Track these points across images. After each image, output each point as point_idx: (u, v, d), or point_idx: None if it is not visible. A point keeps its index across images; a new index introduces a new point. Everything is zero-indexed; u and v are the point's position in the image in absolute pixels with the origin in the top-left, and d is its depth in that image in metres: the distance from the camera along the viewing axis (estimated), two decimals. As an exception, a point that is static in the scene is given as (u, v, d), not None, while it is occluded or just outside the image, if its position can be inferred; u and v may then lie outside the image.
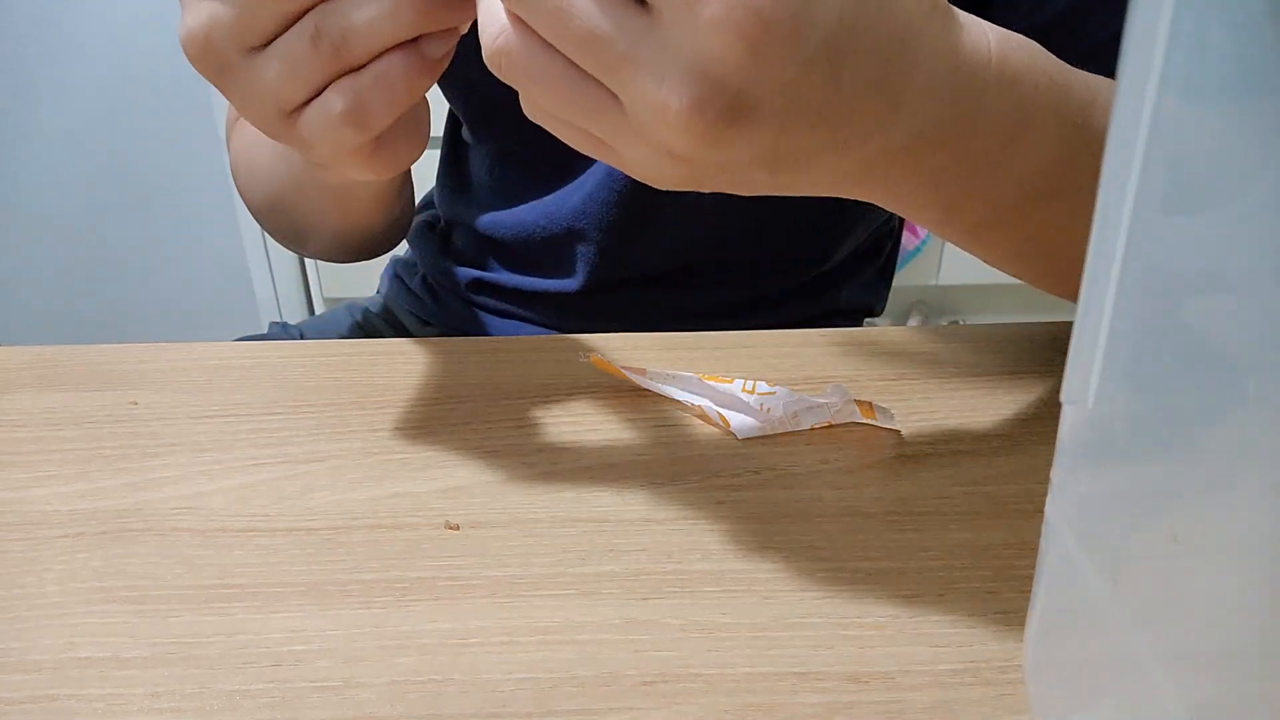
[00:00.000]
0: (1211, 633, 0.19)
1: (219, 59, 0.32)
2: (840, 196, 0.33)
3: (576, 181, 0.59)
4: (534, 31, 0.27)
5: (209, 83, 0.34)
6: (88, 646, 0.31)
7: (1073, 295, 0.37)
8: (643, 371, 0.43)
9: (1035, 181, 0.35)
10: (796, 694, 0.29)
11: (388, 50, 0.32)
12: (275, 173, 0.52)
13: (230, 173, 0.61)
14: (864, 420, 0.41)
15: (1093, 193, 0.20)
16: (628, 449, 0.40)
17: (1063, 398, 0.23)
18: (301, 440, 0.41)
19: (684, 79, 0.26)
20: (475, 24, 0.30)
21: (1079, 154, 0.35)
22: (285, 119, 0.33)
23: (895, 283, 0.76)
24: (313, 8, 0.31)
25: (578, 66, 0.27)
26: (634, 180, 0.56)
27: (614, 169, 0.56)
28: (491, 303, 0.66)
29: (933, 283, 1.88)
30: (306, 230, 0.56)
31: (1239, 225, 0.17)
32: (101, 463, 0.40)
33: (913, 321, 1.97)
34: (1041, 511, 0.24)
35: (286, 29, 0.31)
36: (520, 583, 0.33)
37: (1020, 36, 0.33)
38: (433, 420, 0.42)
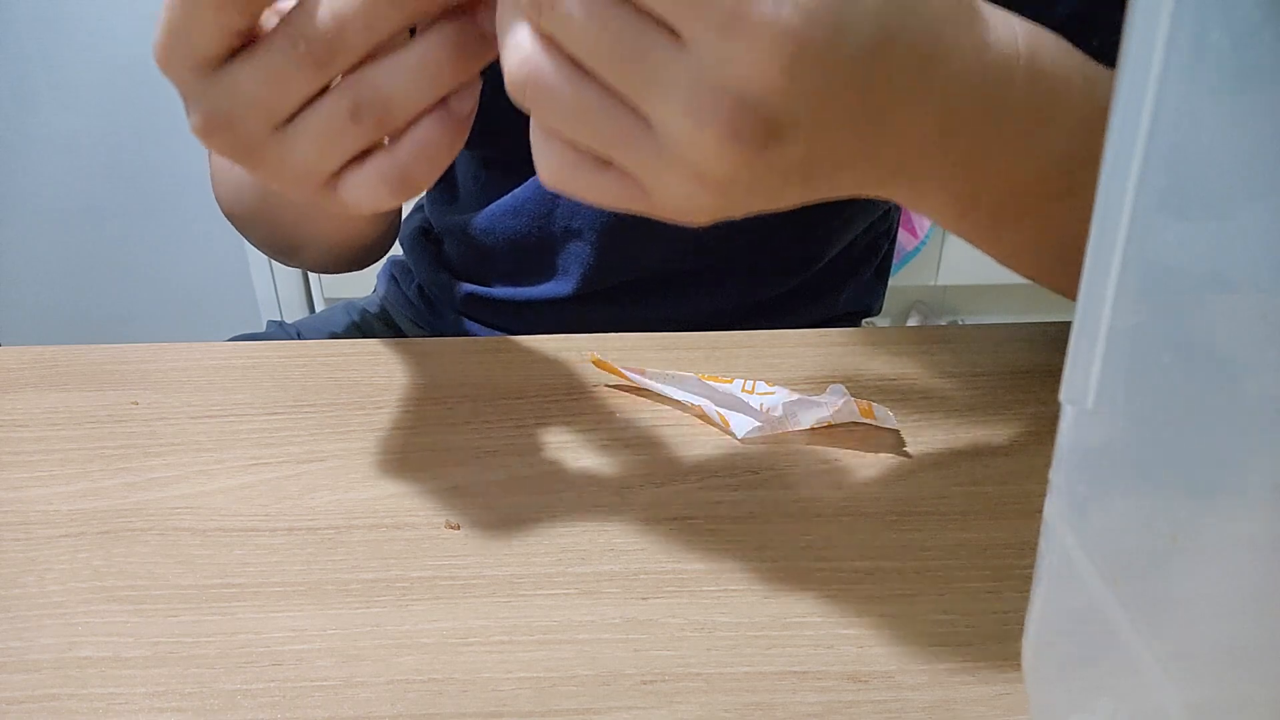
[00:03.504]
0: (1211, 633, 0.19)
1: (245, 141, 0.32)
2: (864, 196, 0.33)
3: None
4: (562, 54, 0.27)
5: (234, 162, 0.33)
6: (88, 646, 0.31)
7: None
8: (643, 371, 0.43)
9: (1056, 174, 0.35)
10: (796, 694, 0.29)
11: (421, 114, 0.31)
12: (260, 189, 0.51)
13: (212, 187, 0.61)
14: (864, 420, 0.41)
15: None
16: (628, 449, 0.40)
17: (1062, 398, 0.23)
18: (302, 440, 0.41)
19: (717, 101, 0.26)
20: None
21: (1100, 150, 0.35)
22: (323, 187, 0.33)
23: (894, 283, 0.76)
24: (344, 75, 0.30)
25: (607, 92, 0.27)
26: None
27: None
28: (487, 317, 0.66)
29: (931, 283, 1.88)
30: (297, 241, 0.55)
31: (1238, 225, 0.17)
32: (102, 462, 0.40)
33: (912, 321, 1.97)
34: (1041, 511, 0.24)
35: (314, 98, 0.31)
36: (520, 583, 0.33)
37: (1051, 33, 0.33)
38: (433, 420, 0.42)
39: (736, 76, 0.25)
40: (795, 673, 0.30)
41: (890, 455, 0.40)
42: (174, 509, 0.37)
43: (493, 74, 0.45)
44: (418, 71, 0.30)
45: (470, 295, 0.66)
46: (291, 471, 0.39)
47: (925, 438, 0.41)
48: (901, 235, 1.75)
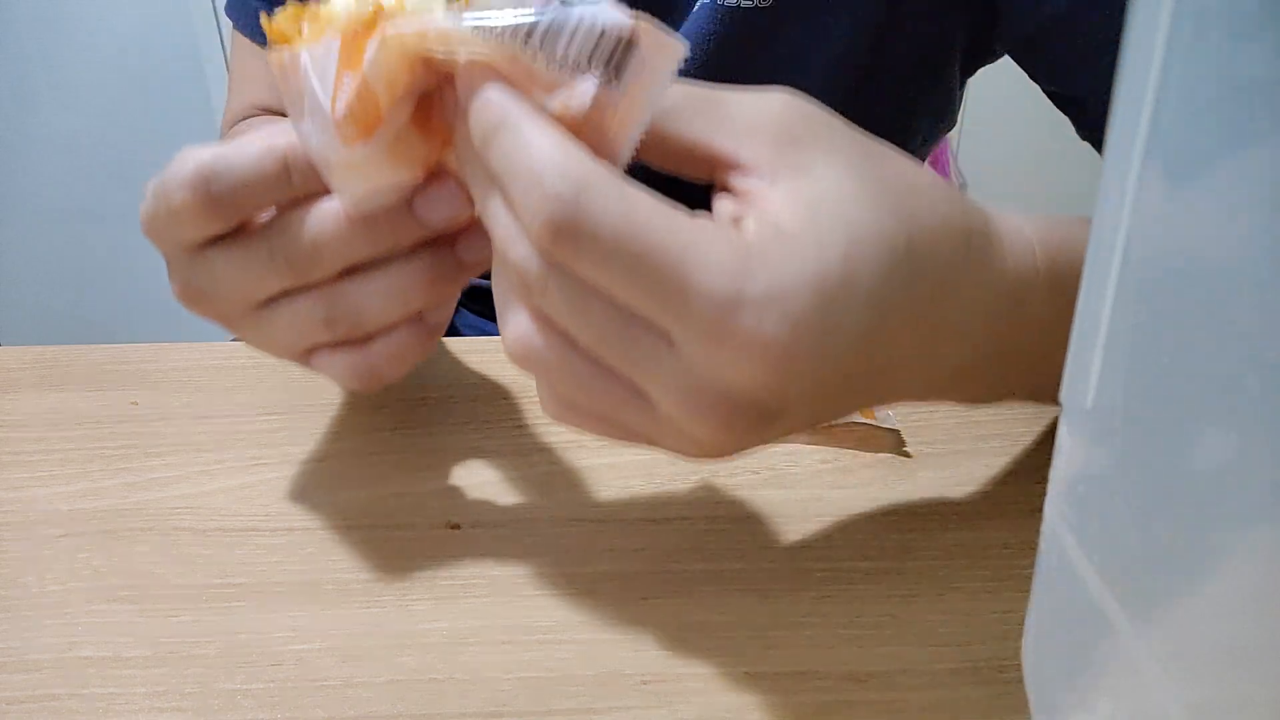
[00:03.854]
0: (1211, 633, 0.19)
1: (222, 314, 0.33)
2: None
3: None
4: (557, 330, 0.27)
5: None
6: (88, 646, 0.31)
7: None
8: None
9: None
10: (796, 694, 0.29)
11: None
12: None
13: None
14: (864, 420, 0.41)
15: None
16: (628, 449, 0.40)
17: (1062, 398, 0.23)
18: (302, 440, 0.41)
19: (706, 396, 0.25)
20: None
21: None
22: (298, 356, 0.34)
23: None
24: (319, 272, 0.31)
25: (602, 366, 0.27)
26: (632, 168, 0.56)
27: None
28: (483, 309, 0.66)
29: (933, 283, 1.88)
30: None
31: (1238, 225, 0.17)
32: (102, 462, 0.40)
33: (913, 322, 1.97)
34: (1040, 511, 0.24)
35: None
36: (520, 583, 0.33)
37: (1064, 220, 0.32)
38: (433, 420, 0.42)
39: (725, 379, 0.25)
40: (795, 673, 0.30)
41: (890, 455, 0.40)
42: (174, 509, 0.37)
43: None
44: (392, 295, 0.31)
45: (473, 287, 0.66)
46: (291, 471, 0.39)
47: (925, 438, 0.41)
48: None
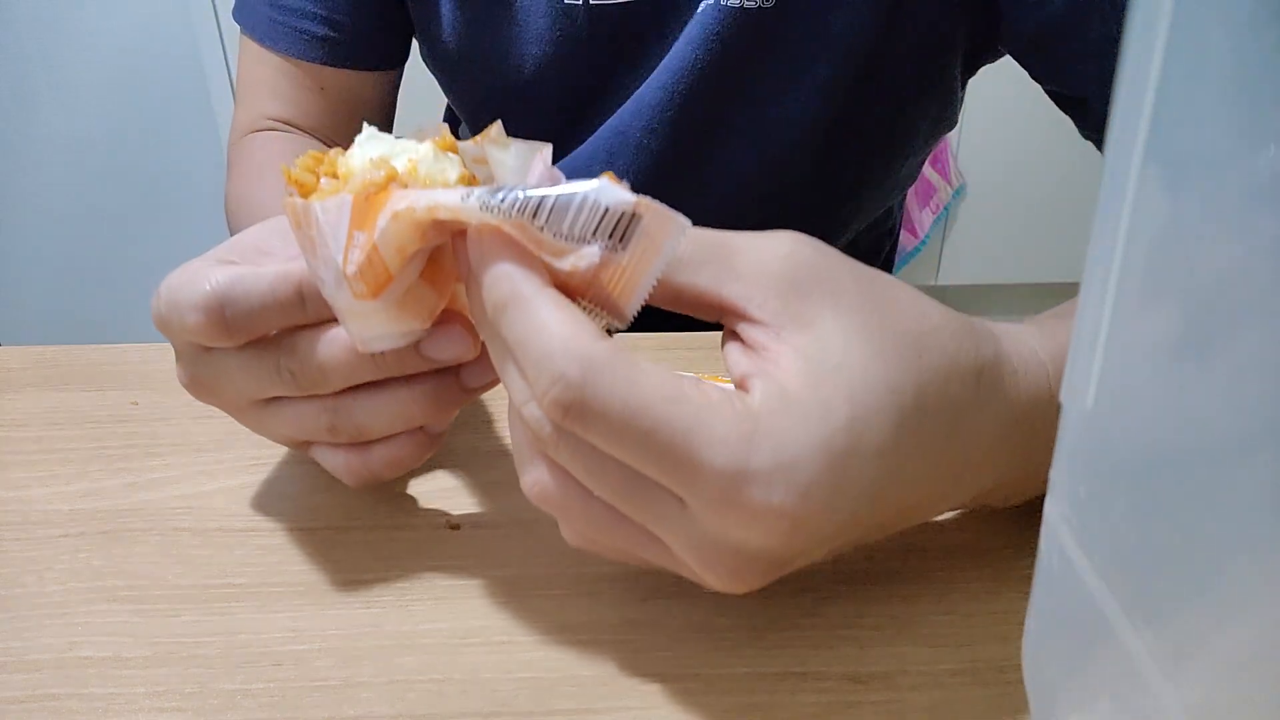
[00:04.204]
0: (1211, 633, 0.19)
1: (226, 404, 0.34)
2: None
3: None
4: (572, 477, 0.27)
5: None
6: (88, 646, 0.31)
7: None
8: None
9: None
10: (796, 694, 0.29)
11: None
12: None
13: (225, 212, 0.61)
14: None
15: None
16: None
17: (1062, 398, 0.23)
18: (302, 440, 0.41)
19: (720, 552, 0.26)
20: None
21: None
22: (295, 445, 0.35)
23: (895, 283, 0.76)
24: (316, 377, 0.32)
25: (616, 511, 0.27)
26: (636, 174, 0.56)
27: (616, 163, 0.56)
28: None
29: (932, 282, 1.88)
30: None
31: (1238, 224, 0.17)
32: (102, 462, 0.40)
33: (913, 322, 1.97)
34: (1041, 512, 0.24)
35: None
36: (520, 583, 0.33)
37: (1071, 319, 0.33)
38: (433, 420, 0.42)
39: (737, 540, 0.26)
40: (795, 674, 0.30)
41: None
42: (174, 509, 0.37)
43: (505, 89, 0.43)
44: (395, 413, 0.32)
45: None
46: (291, 471, 0.39)
47: (925, 438, 0.41)
48: (902, 235, 1.75)
